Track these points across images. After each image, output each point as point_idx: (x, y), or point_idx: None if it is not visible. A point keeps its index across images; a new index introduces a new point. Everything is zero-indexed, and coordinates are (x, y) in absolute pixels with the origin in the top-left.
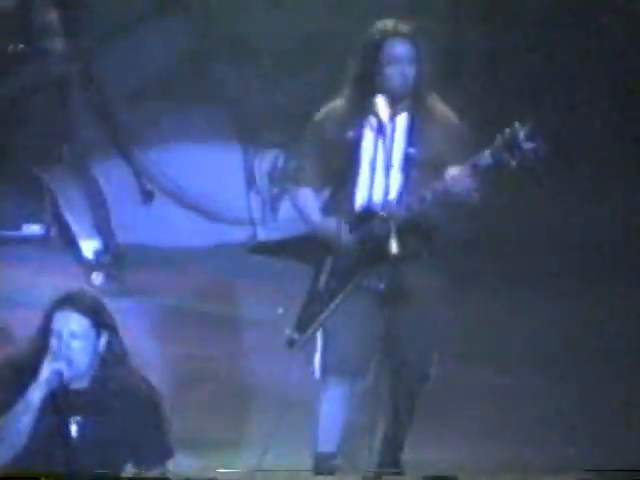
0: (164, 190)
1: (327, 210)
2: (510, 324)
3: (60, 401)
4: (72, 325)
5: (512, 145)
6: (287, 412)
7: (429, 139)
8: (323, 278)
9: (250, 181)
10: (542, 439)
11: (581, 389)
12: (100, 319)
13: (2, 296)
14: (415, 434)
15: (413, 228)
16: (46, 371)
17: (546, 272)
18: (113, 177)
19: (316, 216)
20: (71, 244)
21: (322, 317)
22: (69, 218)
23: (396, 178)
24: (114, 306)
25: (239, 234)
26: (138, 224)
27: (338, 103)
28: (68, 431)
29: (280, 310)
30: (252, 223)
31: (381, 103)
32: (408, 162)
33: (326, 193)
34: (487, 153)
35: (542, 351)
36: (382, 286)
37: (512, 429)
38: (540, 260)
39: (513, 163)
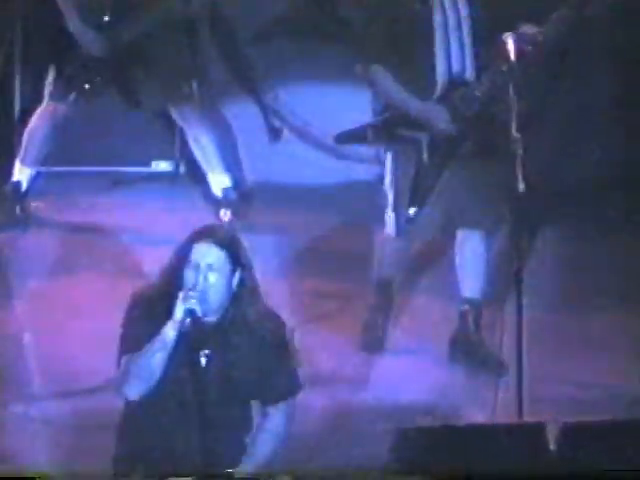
0: (292, 128)
1: (405, 85)
2: None
3: (192, 337)
4: (210, 257)
5: None
6: None
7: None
8: (425, 154)
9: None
10: None
11: None
12: (237, 254)
13: (131, 232)
14: None
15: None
16: (180, 310)
17: None
18: (241, 115)
19: (402, 95)
20: (200, 181)
21: (435, 191)
22: (198, 155)
23: (469, 45)
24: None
25: (367, 172)
26: (266, 162)
27: None
28: (198, 365)
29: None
30: (380, 161)
31: None
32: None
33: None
34: None
35: None
36: None
37: None
38: None
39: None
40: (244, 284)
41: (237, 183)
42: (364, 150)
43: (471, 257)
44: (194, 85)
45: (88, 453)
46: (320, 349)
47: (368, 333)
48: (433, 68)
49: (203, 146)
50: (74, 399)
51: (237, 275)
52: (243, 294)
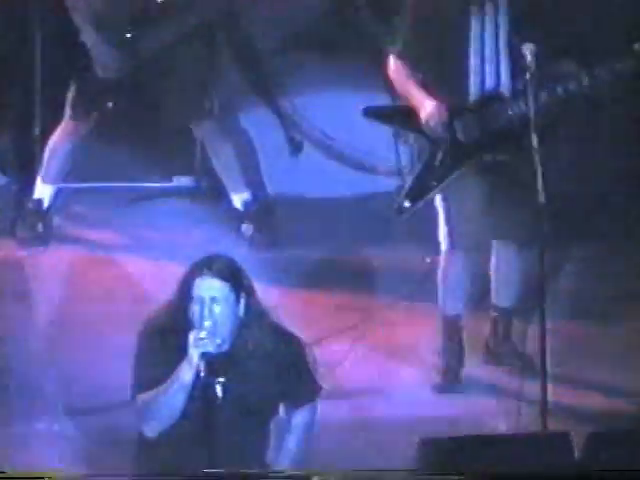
0: (312, 140)
1: (433, 94)
2: None
3: (207, 370)
4: (213, 291)
5: None
6: None
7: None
8: (440, 154)
9: (398, 131)
10: None
11: None
12: (239, 282)
13: (154, 248)
14: None
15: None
16: (194, 354)
17: None
18: (262, 128)
19: (417, 91)
20: (221, 195)
21: (435, 190)
22: (219, 170)
23: (506, 64)
24: (264, 256)
25: (387, 184)
26: (287, 175)
27: None
28: (214, 394)
29: (428, 259)
30: (400, 173)
31: None
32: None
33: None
34: (624, 60)
35: None
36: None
37: None
38: None
39: None
40: (250, 310)
41: (258, 197)
42: (384, 163)
43: (505, 268)
44: (214, 100)
45: (109, 469)
46: (341, 363)
47: (445, 376)
48: (467, 78)
49: (224, 161)
50: (96, 415)
51: (242, 302)
52: (251, 320)
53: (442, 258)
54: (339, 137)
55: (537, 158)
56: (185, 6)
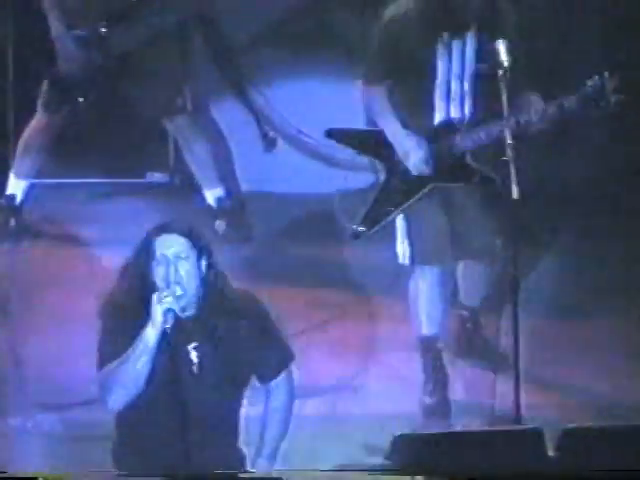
0: (286, 136)
1: (403, 121)
2: None
3: (175, 335)
4: (176, 247)
5: (600, 95)
6: None
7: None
8: (395, 179)
9: (372, 126)
10: None
11: None
12: (198, 240)
13: (127, 243)
14: None
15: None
16: (158, 312)
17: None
18: (235, 124)
19: (393, 122)
20: (194, 192)
21: (389, 217)
22: (192, 166)
23: (471, 96)
24: (237, 253)
25: (361, 180)
26: (260, 171)
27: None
28: (190, 360)
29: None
30: (374, 169)
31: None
32: (479, 80)
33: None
34: (574, 98)
35: None
36: None
37: None
38: None
39: (595, 112)
40: (212, 267)
41: (232, 193)
42: (359, 158)
43: (471, 281)
44: (186, 95)
45: (84, 465)
46: (318, 358)
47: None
48: (432, 102)
49: (197, 157)
50: (69, 411)
51: (204, 260)
52: (214, 278)
53: (411, 275)
54: (312, 133)
55: (509, 152)
56: (159, 3)
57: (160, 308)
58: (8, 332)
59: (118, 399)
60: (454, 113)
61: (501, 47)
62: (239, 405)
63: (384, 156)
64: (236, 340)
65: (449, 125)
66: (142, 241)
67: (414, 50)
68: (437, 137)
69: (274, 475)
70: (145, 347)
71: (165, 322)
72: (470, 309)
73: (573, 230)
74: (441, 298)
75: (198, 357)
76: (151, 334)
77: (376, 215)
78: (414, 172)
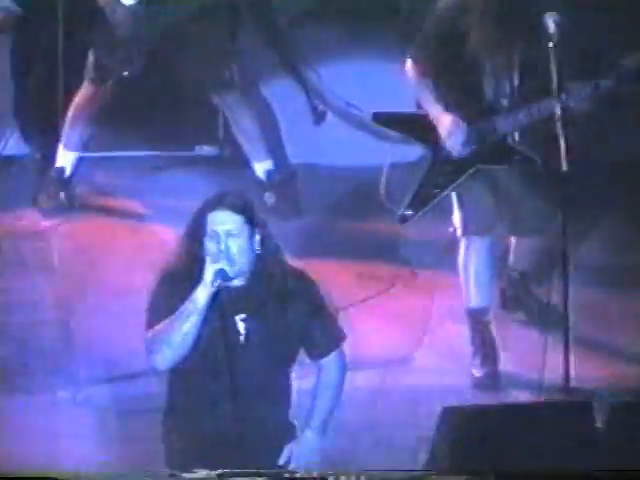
0: (335, 109)
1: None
2: None
3: (224, 303)
4: (228, 224)
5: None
6: None
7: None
8: (439, 162)
9: (419, 107)
10: None
11: None
12: (252, 216)
13: (176, 216)
14: None
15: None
16: (210, 272)
17: None
18: (284, 98)
19: (436, 105)
20: (243, 165)
21: (435, 200)
22: (241, 139)
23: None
24: (286, 226)
25: (410, 154)
26: (310, 144)
27: None
28: (237, 331)
29: (451, 229)
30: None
31: None
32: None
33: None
34: (613, 75)
35: None
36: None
37: None
38: None
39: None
40: (265, 245)
41: (280, 166)
42: None
43: (520, 250)
44: (234, 70)
45: (132, 438)
46: (367, 331)
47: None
48: (478, 86)
49: (245, 130)
50: (118, 384)
51: (257, 237)
52: (266, 255)
53: (460, 246)
54: (362, 106)
55: (559, 124)
56: None
57: (212, 268)
58: (57, 305)
59: (166, 358)
60: (497, 96)
61: (549, 21)
62: (287, 378)
63: (429, 139)
64: (285, 316)
65: (491, 108)
66: (195, 214)
67: (464, 36)
68: (479, 120)
69: (316, 475)
70: (195, 307)
71: (215, 282)
72: (520, 272)
73: (621, 203)
74: (491, 268)
75: (246, 329)
76: (202, 294)
77: (423, 198)
78: (456, 155)
